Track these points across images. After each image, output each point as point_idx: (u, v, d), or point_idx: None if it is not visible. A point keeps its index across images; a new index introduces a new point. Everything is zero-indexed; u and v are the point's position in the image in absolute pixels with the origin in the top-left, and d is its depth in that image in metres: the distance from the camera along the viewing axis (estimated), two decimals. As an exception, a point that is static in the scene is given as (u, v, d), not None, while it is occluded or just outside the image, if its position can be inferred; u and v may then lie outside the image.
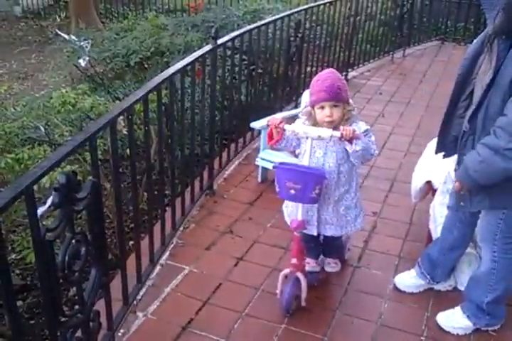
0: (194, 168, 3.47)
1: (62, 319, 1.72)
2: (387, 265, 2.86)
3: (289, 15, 4.46)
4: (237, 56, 3.73)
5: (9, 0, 11.86)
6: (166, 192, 3.10)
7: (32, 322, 2.78)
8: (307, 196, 2.22)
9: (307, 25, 4.99)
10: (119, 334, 2.30)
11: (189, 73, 3.21)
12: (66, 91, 3.40)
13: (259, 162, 3.62)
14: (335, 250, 2.75)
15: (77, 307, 1.86)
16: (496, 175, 1.93)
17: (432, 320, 2.45)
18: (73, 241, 1.68)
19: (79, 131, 2.92)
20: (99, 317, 2.00)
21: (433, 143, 2.43)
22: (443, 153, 2.36)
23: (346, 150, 2.26)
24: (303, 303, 2.46)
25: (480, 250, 2.41)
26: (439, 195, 2.73)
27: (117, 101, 4.09)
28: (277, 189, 2.30)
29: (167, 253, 2.88)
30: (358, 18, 6.34)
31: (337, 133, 2.15)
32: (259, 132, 3.83)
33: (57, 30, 6.51)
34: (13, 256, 3.02)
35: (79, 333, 1.87)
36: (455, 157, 2.25)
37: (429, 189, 2.90)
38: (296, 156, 2.64)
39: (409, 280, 2.66)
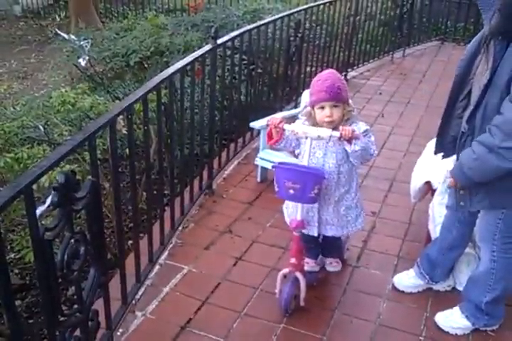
0: (193, 167, 3.47)
1: (61, 318, 1.72)
2: (386, 265, 2.86)
3: (288, 15, 4.46)
4: (237, 56, 3.73)
5: (9, -1, 11.87)
6: (165, 191, 3.09)
7: (31, 321, 2.78)
8: (306, 196, 2.22)
9: (307, 25, 4.99)
10: (118, 333, 2.31)
11: (189, 73, 3.21)
12: (66, 91, 3.40)
13: (258, 162, 3.63)
14: (335, 250, 2.76)
15: (75, 306, 1.86)
16: (489, 172, 1.94)
17: (431, 320, 2.45)
18: (72, 240, 1.68)
19: (78, 131, 2.91)
20: (98, 316, 2.00)
21: (432, 143, 2.43)
22: (442, 154, 2.36)
23: (346, 150, 2.26)
24: (302, 303, 2.46)
25: (479, 250, 2.42)
26: (438, 195, 2.73)
27: (117, 101, 4.09)
28: (276, 189, 2.30)
29: (166, 253, 2.88)
30: (358, 18, 6.35)
31: (336, 133, 2.15)
32: (259, 132, 3.83)
33: (56, 30, 6.51)
34: (12, 255, 3.02)
35: (77, 332, 1.87)
36: (454, 157, 2.25)
37: (429, 189, 2.90)
38: (296, 156, 2.65)
39: (408, 280, 2.66)
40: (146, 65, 4.99)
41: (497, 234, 2.16)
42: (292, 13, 4.56)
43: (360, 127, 2.28)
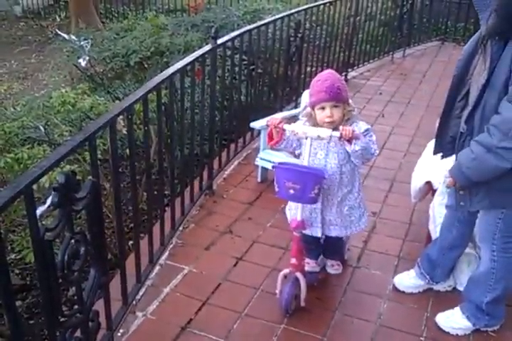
0: (194, 167, 3.47)
1: (62, 319, 1.72)
2: (387, 265, 2.85)
3: (288, 16, 4.45)
4: (237, 56, 3.73)
5: (9, 0, 11.86)
6: (166, 192, 3.09)
7: (31, 322, 2.78)
8: (306, 196, 2.21)
9: (307, 26, 4.99)
10: (119, 334, 2.30)
11: (189, 73, 3.21)
12: (66, 91, 3.40)
13: (258, 162, 3.62)
14: (336, 251, 2.75)
15: (76, 307, 1.86)
16: (488, 172, 1.94)
17: (432, 321, 2.45)
18: (72, 240, 1.67)
19: (78, 131, 2.91)
20: (99, 317, 2.00)
21: (433, 143, 2.44)
22: (441, 154, 2.36)
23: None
24: (302, 303, 2.46)
25: (479, 250, 2.41)
26: (438, 195, 2.73)
27: (117, 101, 4.09)
28: (276, 189, 2.29)
29: (166, 253, 2.88)
30: (358, 18, 6.35)
31: (336, 133, 2.15)
32: (259, 132, 3.83)
33: (57, 30, 6.52)
34: (13, 255, 3.02)
35: (78, 333, 1.87)
36: (454, 157, 2.25)
37: (429, 189, 2.90)
38: (296, 156, 2.64)
39: (408, 280, 2.66)
40: (146, 65, 4.99)
41: (497, 233, 2.16)
42: (292, 14, 4.56)
43: (360, 127, 2.28)
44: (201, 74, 3.27)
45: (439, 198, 2.71)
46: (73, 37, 4.77)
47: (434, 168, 2.80)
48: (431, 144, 2.96)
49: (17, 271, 3.10)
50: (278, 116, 2.98)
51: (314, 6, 5.18)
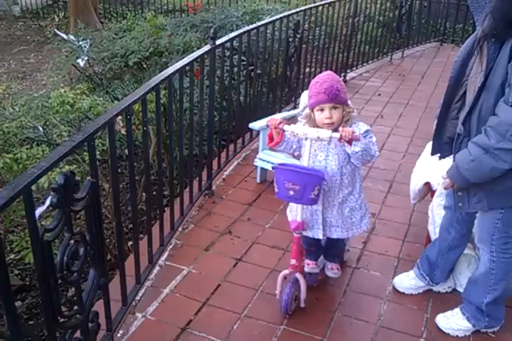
0: (193, 168, 3.46)
1: (61, 319, 1.71)
2: (386, 266, 2.85)
3: (287, 16, 4.46)
4: (236, 57, 3.73)
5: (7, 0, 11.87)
6: (165, 192, 3.09)
7: (31, 322, 2.78)
8: (306, 197, 2.21)
9: (306, 26, 4.99)
10: (118, 335, 2.30)
11: (188, 73, 3.21)
12: (65, 91, 3.39)
13: (258, 163, 3.62)
14: (337, 252, 2.73)
15: (76, 307, 1.85)
16: (485, 173, 1.95)
17: (432, 322, 2.45)
18: (72, 241, 1.67)
19: (77, 131, 2.91)
20: (98, 317, 2.00)
21: (431, 144, 2.44)
22: (439, 155, 2.36)
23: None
24: (302, 304, 2.46)
25: (479, 251, 2.41)
26: (437, 196, 2.73)
27: (116, 101, 4.09)
28: (276, 190, 2.29)
29: (166, 254, 2.87)
30: (357, 19, 6.36)
31: (336, 135, 2.14)
32: (258, 133, 3.83)
33: (55, 30, 6.52)
34: (12, 256, 3.02)
35: (78, 334, 1.87)
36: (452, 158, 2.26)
37: (428, 190, 2.90)
38: (296, 157, 2.64)
39: (408, 281, 2.65)
40: (145, 66, 4.98)
41: (495, 234, 2.16)
42: (291, 14, 4.57)
43: (360, 128, 2.28)
44: (200, 75, 3.27)
45: (438, 199, 2.71)
46: (72, 37, 4.77)
47: (432, 169, 2.80)
48: (430, 145, 2.96)
49: (16, 272, 3.10)
50: (277, 116, 2.97)
51: (313, 7, 5.19)
